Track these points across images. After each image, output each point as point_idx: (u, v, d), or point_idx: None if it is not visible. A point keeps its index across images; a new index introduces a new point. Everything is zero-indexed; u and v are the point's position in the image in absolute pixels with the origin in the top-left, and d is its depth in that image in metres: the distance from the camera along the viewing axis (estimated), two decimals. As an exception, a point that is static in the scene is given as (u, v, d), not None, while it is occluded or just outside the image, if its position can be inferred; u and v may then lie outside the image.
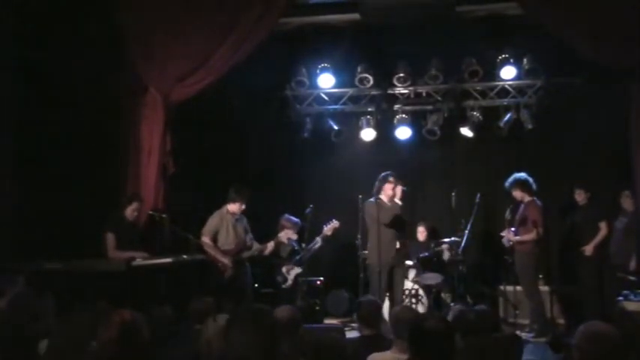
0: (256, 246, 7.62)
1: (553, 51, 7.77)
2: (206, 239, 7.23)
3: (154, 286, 6.33)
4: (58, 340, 3.35)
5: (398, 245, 7.23)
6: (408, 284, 7.95)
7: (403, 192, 7.26)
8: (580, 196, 7.69)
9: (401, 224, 7.23)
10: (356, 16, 8.17)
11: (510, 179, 7.61)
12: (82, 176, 6.94)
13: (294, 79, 8.97)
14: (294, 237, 7.89)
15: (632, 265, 7.09)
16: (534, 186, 7.53)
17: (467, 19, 8.18)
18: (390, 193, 7.17)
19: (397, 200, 7.24)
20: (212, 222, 7.33)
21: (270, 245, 7.65)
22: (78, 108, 7.02)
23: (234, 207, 7.31)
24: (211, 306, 4.44)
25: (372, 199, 7.22)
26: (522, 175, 7.57)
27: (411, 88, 8.91)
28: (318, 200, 8.28)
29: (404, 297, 7.64)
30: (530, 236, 7.34)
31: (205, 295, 4.80)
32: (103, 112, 7.19)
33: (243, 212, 7.41)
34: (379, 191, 7.20)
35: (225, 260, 7.17)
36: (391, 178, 7.19)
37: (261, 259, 7.69)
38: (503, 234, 7.58)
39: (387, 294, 7.23)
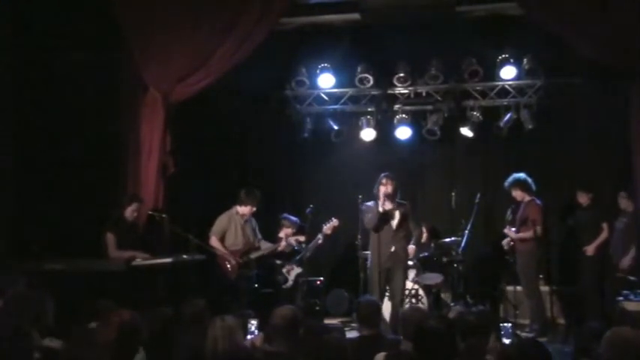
0: (265, 245, 7.65)
1: (553, 51, 7.76)
2: (214, 240, 7.28)
3: (154, 286, 6.34)
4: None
5: (393, 249, 6.96)
6: (408, 284, 7.94)
7: (385, 196, 6.91)
8: (583, 198, 7.70)
9: (387, 223, 6.97)
10: (356, 16, 8.15)
11: (510, 179, 7.60)
12: (82, 176, 6.94)
13: (294, 79, 8.96)
14: (302, 239, 7.86)
15: (624, 262, 7.11)
16: (534, 186, 7.53)
17: (467, 19, 8.17)
18: (382, 195, 6.97)
19: (380, 207, 6.97)
20: (220, 223, 7.39)
21: (282, 244, 7.70)
22: (78, 108, 7.03)
23: (244, 209, 7.40)
24: (203, 308, 4.39)
25: (370, 202, 7.11)
26: (522, 175, 7.56)
27: (411, 88, 8.90)
28: (318, 200, 8.27)
29: (404, 298, 7.60)
30: (528, 234, 7.33)
31: (205, 296, 4.79)
32: (103, 112, 7.20)
33: (253, 214, 7.50)
34: (378, 193, 7.05)
35: (233, 261, 7.22)
36: (383, 180, 6.99)
37: (262, 259, 7.71)
38: (505, 231, 7.58)
39: (387, 294, 7.20)
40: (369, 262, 7.14)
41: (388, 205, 6.95)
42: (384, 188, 6.96)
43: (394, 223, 6.98)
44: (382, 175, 7.08)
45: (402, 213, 7.04)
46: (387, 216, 6.97)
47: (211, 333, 3.71)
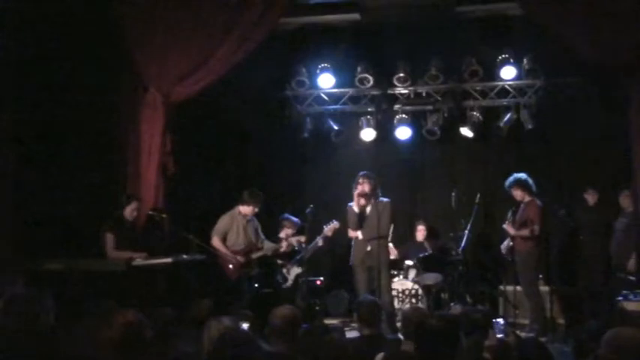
0: (268, 246, 7.66)
1: (553, 51, 7.77)
2: (216, 240, 7.29)
3: (154, 286, 6.34)
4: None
5: (369, 248, 7.14)
6: (408, 284, 7.96)
7: (360, 195, 7.13)
8: (591, 197, 7.70)
9: (365, 224, 7.18)
10: (356, 16, 8.18)
11: (510, 179, 7.59)
12: (82, 176, 6.94)
13: (294, 79, 8.97)
14: (303, 239, 7.87)
15: (631, 264, 7.10)
16: (534, 187, 7.53)
17: (467, 19, 8.18)
18: (356, 195, 7.18)
19: (355, 207, 7.21)
20: (222, 223, 7.43)
21: (285, 245, 7.74)
22: (78, 108, 7.02)
23: (246, 209, 7.43)
24: (210, 308, 4.44)
25: (351, 203, 7.29)
26: (523, 175, 7.55)
27: (411, 88, 8.91)
28: (318, 200, 8.26)
29: (396, 297, 7.67)
30: (525, 232, 7.32)
31: (205, 296, 4.81)
32: (103, 112, 7.19)
33: (255, 215, 7.55)
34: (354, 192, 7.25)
35: (235, 260, 7.24)
36: (359, 179, 7.17)
37: (263, 259, 7.72)
38: (505, 226, 7.57)
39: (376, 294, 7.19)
40: (350, 261, 7.27)
41: (362, 203, 7.15)
42: (360, 187, 7.13)
43: (373, 221, 7.09)
44: (359, 174, 7.25)
45: (379, 211, 7.10)
46: (362, 215, 7.15)
47: (207, 334, 3.71)
